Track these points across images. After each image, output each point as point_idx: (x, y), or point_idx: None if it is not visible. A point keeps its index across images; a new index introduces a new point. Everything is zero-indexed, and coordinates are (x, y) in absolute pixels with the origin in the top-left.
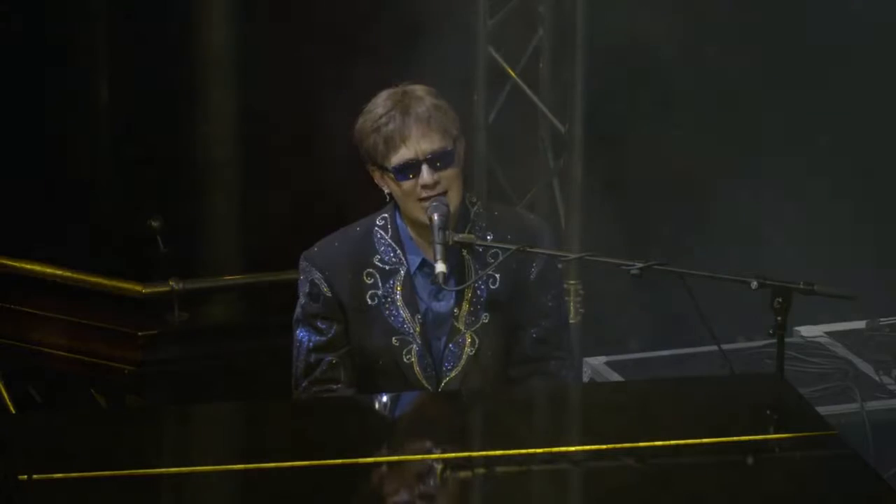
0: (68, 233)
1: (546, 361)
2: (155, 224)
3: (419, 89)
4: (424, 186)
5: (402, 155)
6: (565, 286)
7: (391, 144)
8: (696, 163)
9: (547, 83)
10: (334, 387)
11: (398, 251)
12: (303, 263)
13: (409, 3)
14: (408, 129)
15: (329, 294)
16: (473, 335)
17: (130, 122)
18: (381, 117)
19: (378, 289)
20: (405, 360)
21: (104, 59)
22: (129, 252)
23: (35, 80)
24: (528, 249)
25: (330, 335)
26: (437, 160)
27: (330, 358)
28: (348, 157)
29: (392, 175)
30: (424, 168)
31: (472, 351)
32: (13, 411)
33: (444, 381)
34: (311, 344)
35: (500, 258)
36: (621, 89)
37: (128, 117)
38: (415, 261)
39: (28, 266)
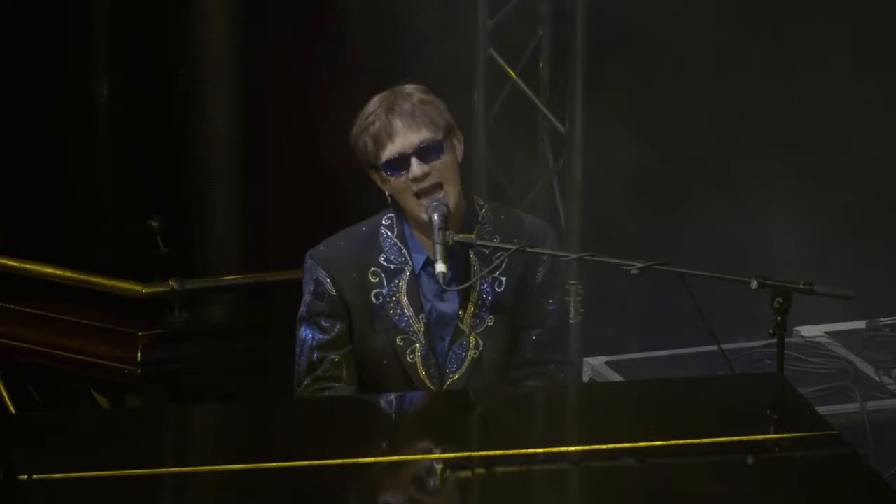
0: (68, 233)
1: (545, 365)
2: (155, 224)
3: (408, 87)
4: (415, 179)
5: (391, 150)
6: (566, 286)
7: (379, 142)
8: (696, 162)
9: (547, 83)
10: (336, 385)
11: (403, 250)
12: (308, 262)
13: (409, 3)
14: (393, 125)
15: (334, 292)
16: (477, 338)
17: (130, 122)
18: (368, 117)
19: (383, 287)
20: (409, 359)
21: (104, 59)
22: (129, 252)
23: (35, 79)
24: (528, 249)
25: (334, 333)
26: (426, 152)
27: (333, 356)
28: (349, 157)
29: (384, 172)
30: (414, 161)
31: (475, 354)
32: (13, 411)
33: (448, 383)
34: (314, 342)
35: (503, 257)
36: (622, 88)
37: (128, 117)
38: (419, 259)
39: (28, 266)
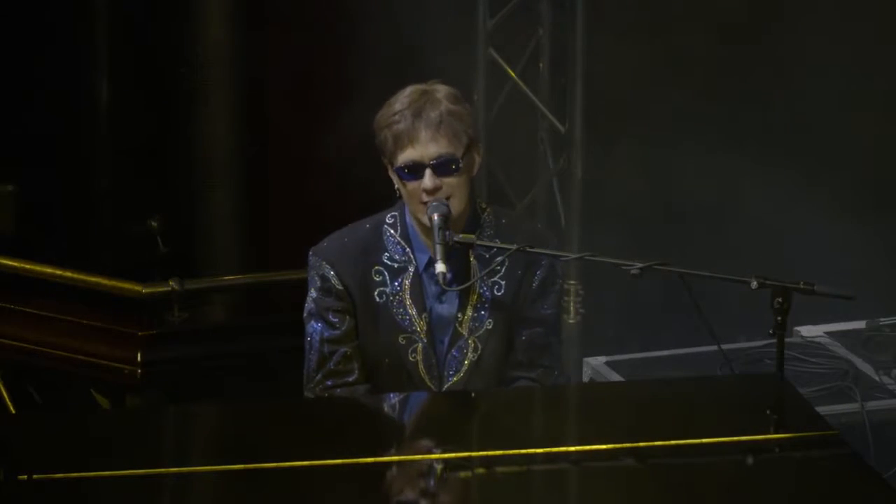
0: (68, 233)
1: (533, 369)
2: (155, 224)
3: (440, 91)
4: (426, 190)
5: (408, 155)
6: (566, 286)
7: (399, 143)
8: (697, 163)
9: (547, 83)
10: (350, 379)
11: (407, 249)
12: (312, 259)
13: (410, 3)
14: (416, 132)
15: (340, 287)
16: (476, 341)
17: (130, 121)
18: (394, 114)
19: (386, 286)
20: (410, 358)
21: (104, 59)
22: (129, 252)
23: (35, 79)
24: (528, 249)
25: (343, 328)
26: (442, 166)
27: (344, 349)
28: (349, 157)
29: (397, 174)
30: (428, 172)
31: (474, 357)
32: (13, 411)
33: (446, 386)
34: (324, 336)
35: (502, 259)
36: (621, 89)
37: (128, 117)
38: (423, 259)
39: (28, 266)
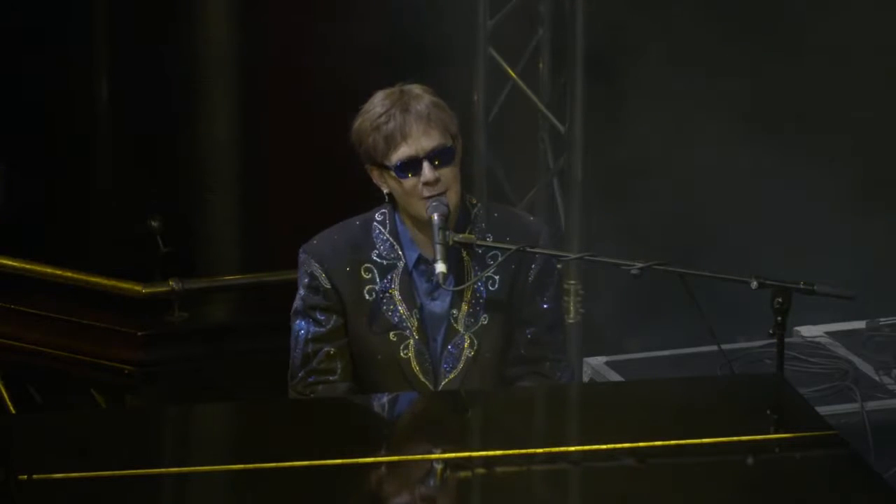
0: (68, 233)
1: (541, 363)
2: (155, 224)
3: (416, 87)
4: (426, 184)
5: (403, 152)
6: (565, 286)
7: (392, 142)
8: (695, 163)
9: (547, 83)
10: (331, 378)
11: (396, 246)
12: (302, 256)
13: (410, 3)
14: (408, 127)
15: (328, 286)
16: (472, 337)
17: (130, 122)
18: (380, 116)
19: (376, 284)
20: (402, 355)
21: (104, 59)
22: (129, 252)
23: (35, 79)
24: (529, 249)
25: (329, 327)
26: (438, 157)
27: (328, 348)
28: (348, 157)
29: (393, 173)
30: (425, 165)
31: (471, 353)
32: (13, 411)
33: (443, 382)
34: (309, 334)
35: (500, 259)
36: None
37: (128, 117)
38: (412, 256)
39: (28, 266)
